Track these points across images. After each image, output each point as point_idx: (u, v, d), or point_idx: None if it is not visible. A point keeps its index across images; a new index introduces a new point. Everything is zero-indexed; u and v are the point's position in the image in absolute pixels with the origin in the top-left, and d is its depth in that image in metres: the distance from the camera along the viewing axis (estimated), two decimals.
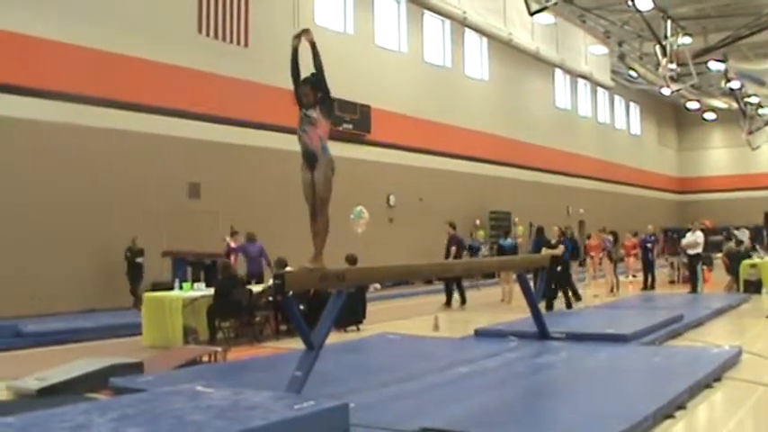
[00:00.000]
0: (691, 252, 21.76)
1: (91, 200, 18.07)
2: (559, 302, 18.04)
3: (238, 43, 21.64)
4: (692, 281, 21.55)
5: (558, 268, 17.79)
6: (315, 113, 8.31)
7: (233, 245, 18.21)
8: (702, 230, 22.17)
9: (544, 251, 17.88)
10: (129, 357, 10.25)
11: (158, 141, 19.43)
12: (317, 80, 8.67)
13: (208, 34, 20.88)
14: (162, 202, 19.32)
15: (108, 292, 17.91)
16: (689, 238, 21.82)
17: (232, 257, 17.62)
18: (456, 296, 20.04)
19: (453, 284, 20.06)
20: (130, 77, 18.91)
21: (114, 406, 6.37)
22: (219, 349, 11.25)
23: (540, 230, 20.55)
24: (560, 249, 18.10)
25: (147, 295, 14.42)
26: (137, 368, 9.65)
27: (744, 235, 37.68)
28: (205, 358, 10.93)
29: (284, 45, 22.41)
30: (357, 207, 20.20)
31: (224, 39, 21.29)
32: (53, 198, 17.45)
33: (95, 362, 9.59)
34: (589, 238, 25.29)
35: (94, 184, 18.18)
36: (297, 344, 9.33)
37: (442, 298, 20.14)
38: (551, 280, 17.66)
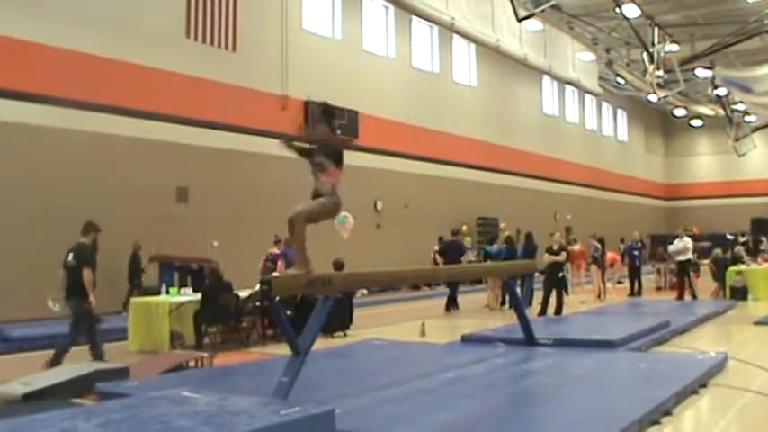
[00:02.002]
0: (681, 258, 21.53)
1: (76, 204, 17.96)
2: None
3: (226, 48, 21.61)
4: (680, 287, 21.35)
5: (561, 274, 17.97)
6: (326, 162, 8.71)
7: (277, 251, 18.21)
8: (691, 237, 22.07)
9: (546, 257, 17.93)
10: (114, 362, 10.23)
11: (146, 146, 19.39)
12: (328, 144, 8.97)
13: (196, 39, 20.84)
14: (150, 207, 19.28)
15: (95, 297, 17.79)
16: (677, 244, 21.61)
17: (279, 263, 17.65)
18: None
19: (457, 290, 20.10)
20: (118, 81, 18.86)
21: (100, 411, 6.35)
22: (206, 354, 11.23)
23: (530, 237, 20.59)
24: (563, 256, 18.14)
25: (134, 300, 14.41)
26: (123, 373, 9.63)
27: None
28: (191, 363, 10.90)
29: (272, 50, 22.44)
30: (342, 212, 20.15)
31: (212, 43, 21.26)
32: (37, 202, 17.36)
33: (81, 367, 9.57)
34: (571, 244, 25.26)
35: (80, 189, 18.12)
36: (283, 349, 9.32)
37: (429, 303, 20.14)
38: (551, 286, 17.75)
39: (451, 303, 19.91)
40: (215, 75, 21.35)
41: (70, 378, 9.08)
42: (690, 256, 21.64)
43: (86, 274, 11.45)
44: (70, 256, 11.63)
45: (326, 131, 9.05)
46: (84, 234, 12.00)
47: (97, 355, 11.52)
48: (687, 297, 20.97)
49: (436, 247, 28.17)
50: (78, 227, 17.82)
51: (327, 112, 9.16)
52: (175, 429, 5.64)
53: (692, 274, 22.03)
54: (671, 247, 22.41)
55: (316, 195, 8.63)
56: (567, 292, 18.71)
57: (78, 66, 18.13)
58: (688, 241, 21.70)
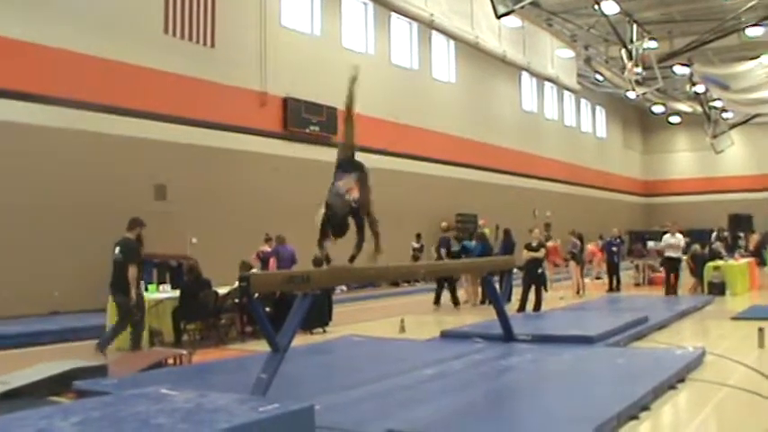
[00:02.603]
0: (673, 255, 21.46)
1: (53, 202, 17.88)
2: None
3: (205, 44, 21.51)
4: (668, 284, 21.44)
5: (539, 270, 18.02)
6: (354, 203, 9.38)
7: (268, 249, 18.17)
8: (681, 232, 22.02)
9: (525, 253, 17.97)
10: (93, 360, 10.18)
11: (123, 143, 19.27)
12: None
13: (174, 35, 20.73)
14: (127, 204, 19.12)
15: (72, 295, 17.72)
16: (668, 240, 21.56)
17: (271, 261, 17.60)
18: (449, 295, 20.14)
19: (445, 284, 20.11)
20: (94, 77, 18.71)
21: (78, 409, 6.32)
22: (185, 352, 11.19)
23: (507, 233, 20.61)
24: (542, 252, 18.18)
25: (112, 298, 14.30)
26: (101, 371, 9.59)
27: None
28: (170, 361, 10.87)
29: (251, 46, 22.41)
30: (321, 210, 20.12)
31: (190, 39, 21.16)
32: (9, 201, 17.23)
33: (59, 365, 9.50)
34: (548, 240, 25.32)
35: (57, 186, 17.98)
36: (262, 346, 9.30)
37: (408, 300, 20.15)
38: (530, 282, 17.80)
39: (451, 298, 19.96)
40: (193, 71, 21.25)
41: (47, 376, 9.03)
42: (680, 253, 21.70)
43: (131, 270, 11.91)
44: (117, 251, 12.14)
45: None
46: (129, 229, 12.45)
47: (136, 345, 12.07)
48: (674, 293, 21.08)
49: (415, 244, 28.26)
50: (54, 223, 17.84)
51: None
52: (154, 427, 5.62)
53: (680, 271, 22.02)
54: (661, 243, 22.38)
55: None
56: (545, 289, 18.75)
57: (52, 62, 17.98)
58: (680, 238, 21.70)
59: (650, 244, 22.30)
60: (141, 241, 12.71)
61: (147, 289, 14.46)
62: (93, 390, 8.33)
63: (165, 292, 14.32)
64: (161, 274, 17.89)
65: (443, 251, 20.51)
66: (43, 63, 17.80)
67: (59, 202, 17.99)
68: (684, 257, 22.74)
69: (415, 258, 27.02)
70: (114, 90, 19.08)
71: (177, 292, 13.98)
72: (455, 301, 19.93)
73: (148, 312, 13.26)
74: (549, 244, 23.99)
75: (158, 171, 20.10)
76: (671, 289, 21.25)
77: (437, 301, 20.01)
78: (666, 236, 21.82)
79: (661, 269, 27.88)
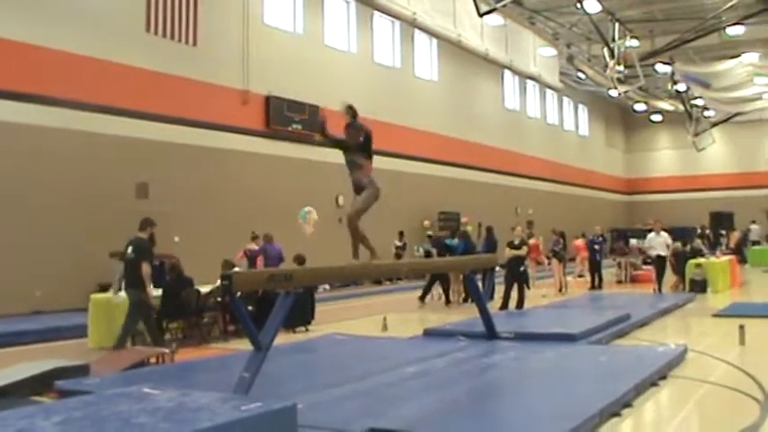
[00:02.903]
0: (662, 254, 21.40)
1: (34, 201, 17.80)
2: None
3: (187, 42, 21.44)
4: (659, 281, 21.46)
5: (522, 268, 18.06)
6: (360, 159, 9.99)
7: (255, 247, 18.13)
8: (664, 230, 22.03)
9: (507, 251, 18.00)
10: (75, 360, 10.14)
11: (105, 141, 19.19)
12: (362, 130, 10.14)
13: (156, 33, 20.65)
14: (109, 203, 19.10)
15: (54, 294, 17.65)
16: (655, 239, 21.52)
17: (258, 260, 17.58)
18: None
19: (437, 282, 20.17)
20: (76, 75, 18.63)
21: (59, 409, 6.28)
22: (167, 351, 11.17)
23: (490, 231, 20.62)
24: (524, 250, 18.22)
25: (94, 297, 14.25)
26: (83, 370, 9.55)
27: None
28: (152, 360, 10.85)
29: (233, 44, 22.36)
30: (304, 208, 20.11)
31: (172, 37, 21.08)
32: None
33: (40, 365, 9.46)
34: (529, 237, 25.36)
35: (38, 185, 17.90)
36: (245, 345, 9.29)
37: (391, 298, 20.15)
38: (513, 279, 17.83)
39: (444, 296, 20.01)
40: (175, 69, 21.18)
41: (29, 376, 8.99)
42: (667, 251, 21.71)
43: (145, 267, 12.29)
44: (129, 250, 12.54)
45: (357, 132, 10.12)
46: (141, 229, 12.86)
47: (155, 341, 12.38)
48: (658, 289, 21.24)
49: (397, 242, 28.27)
50: (35, 223, 17.74)
51: (352, 111, 10.26)
52: (136, 426, 5.60)
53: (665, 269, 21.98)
54: (646, 242, 22.37)
55: (357, 186, 9.94)
56: (528, 287, 18.79)
57: (34, 60, 17.90)
58: (666, 237, 21.65)
59: (632, 242, 22.25)
60: (153, 240, 13.12)
61: None
62: (75, 389, 8.28)
63: None
64: None
65: (434, 251, 20.53)
66: (23, 61, 17.70)
67: (40, 202, 17.90)
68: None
69: (398, 256, 27.02)
70: (95, 88, 18.98)
71: (159, 291, 13.92)
72: (448, 300, 19.97)
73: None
74: (531, 241, 24.06)
75: (140, 169, 20.02)
76: (658, 287, 21.36)
77: (423, 297, 20.02)
78: (651, 235, 21.81)
79: (644, 267, 28.04)
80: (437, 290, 20.61)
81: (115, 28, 19.74)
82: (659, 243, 21.33)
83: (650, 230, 22.13)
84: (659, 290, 21.23)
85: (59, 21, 18.59)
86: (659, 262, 21.55)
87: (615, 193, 55.72)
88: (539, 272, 25.20)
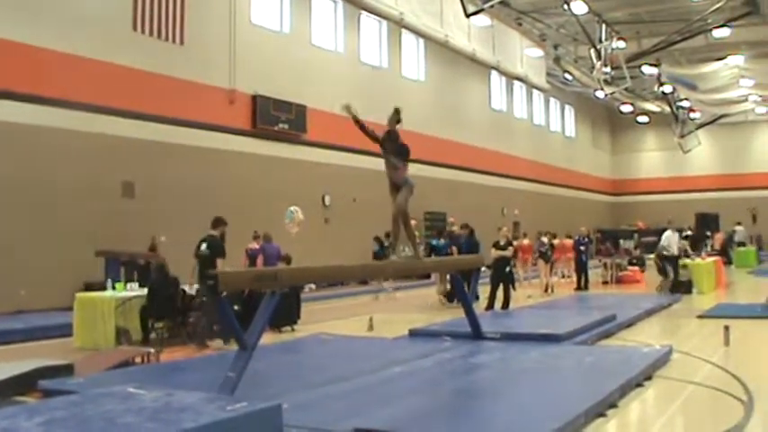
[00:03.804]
0: (676, 253, 21.35)
1: (18, 199, 17.73)
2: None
3: (174, 41, 21.37)
4: (676, 282, 21.33)
5: (507, 269, 18.07)
6: (396, 162, 10.92)
7: (256, 246, 18.15)
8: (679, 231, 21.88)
9: (493, 252, 18.02)
10: (59, 359, 10.09)
11: (91, 139, 19.12)
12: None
13: (143, 32, 20.58)
14: (95, 202, 19.05)
15: (38, 294, 17.58)
16: (672, 237, 21.48)
17: (259, 259, 17.58)
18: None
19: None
20: (63, 74, 18.57)
21: (43, 409, 6.26)
22: (152, 350, 11.14)
23: (471, 231, 20.55)
24: (509, 251, 18.24)
25: (79, 296, 14.19)
26: (67, 370, 9.50)
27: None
28: (138, 359, 10.81)
29: (220, 44, 22.33)
30: (290, 207, 20.11)
31: (159, 36, 21.01)
32: None
33: (24, 364, 9.41)
34: (518, 239, 25.39)
35: (21, 183, 17.82)
36: (231, 344, 9.28)
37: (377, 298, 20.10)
38: (498, 280, 17.85)
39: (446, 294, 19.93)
40: (162, 68, 21.13)
41: (13, 376, 8.93)
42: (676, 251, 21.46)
43: (219, 263, 13.00)
44: (203, 247, 13.43)
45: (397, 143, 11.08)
46: (213, 227, 13.87)
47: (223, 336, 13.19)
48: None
49: (385, 242, 28.19)
50: (17, 222, 17.65)
51: (397, 117, 11.42)
52: (121, 426, 5.59)
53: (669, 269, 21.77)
54: (663, 239, 21.97)
55: (393, 185, 10.93)
56: (513, 287, 18.81)
57: (21, 58, 17.84)
58: (678, 236, 21.51)
59: (623, 243, 21.97)
60: (224, 238, 13.96)
61: (114, 287, 14.40)
62: (59, 389, 8.25)
63: (132, 291, 14.22)
64: (128, 272, 17.75)
65: (455, 248, 20.41)
66: (6, 59, 17.62)
67: (25, 200, 17.83)
68: (651, 256, 22.80)
69: (385, 256, 26.98)
70: (81, 87, 18.92)
71: (145, 291, 13.89)
72: (450, 298, 19.88)
73: (116, 311, 13.21)
74: (524, 242, 24.09)
75: (126, 168, 19.99)
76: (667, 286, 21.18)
77: (450, 297, 19.68)
78: (668, 233, 21.83)
79: (629, 268, 28.10)
80: (439, 286, 20.55)
81: (102, 27, 19.68)
82: (677, 242, 21.20)
83: (646, 229, 22.01)
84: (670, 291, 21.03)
85: (45, 20, 18.51)
86: (672, 261, 21.52)
87: (601, 193, 55.83)
88: (532, 272, 25.15)
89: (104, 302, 13.37)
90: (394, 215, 10.89)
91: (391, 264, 11.85)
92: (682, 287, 21.44)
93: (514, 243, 20.89)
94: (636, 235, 43.93)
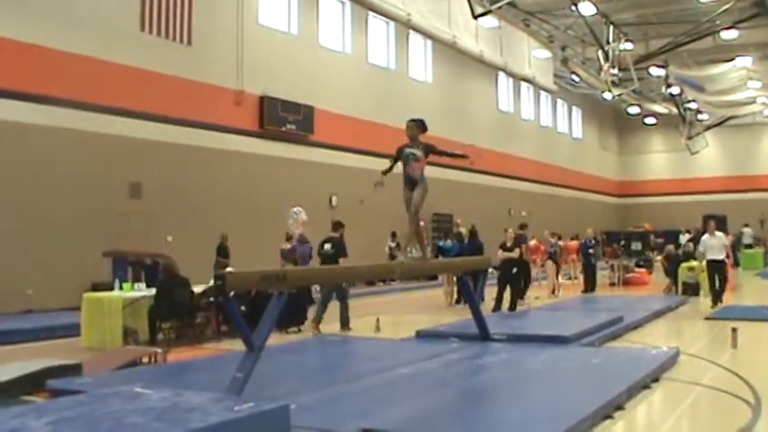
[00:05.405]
0: (718, 258, 18.57)
1: (26, 199, 17.77)
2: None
3: (182, 42, 21.43)
4: (713, 291, 18.74)
5: (514, 270, 18.06)
6: (418, 152, 10.76)
7: (289, 247, 18.33)
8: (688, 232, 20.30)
9: (499, 253, 18.01)
10: (67, 359, 10.10)
11: (98, 140, 19.17)
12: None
13: (151, 32, 20.64)
14: (102, 202, 19.09)
15: (46, 293, 17.61)
16: (709, 240, 18.78)
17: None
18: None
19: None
20: (71, 74, 18.62)
21: (51, 408, 6.26)
22: (160, 350, 11.14)
23: (474, 233, 20.46)
24: (516, 252, 18.22)
25: (87, 296, 14.20)
26: (75, 370, 9.51)
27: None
28: (145, 359, 10.81)
29: (228, 44, 22.35)
30: (293, 208, 20.14)
31: (167, 37, 21.07)
32: None
33: (32, 364, 9.43)
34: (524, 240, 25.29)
35: (29, 184, 17.86)
36: (238, 345, 9.28)
37: (383, 299, 20.08)
38: (506, 281, 17.84)
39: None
40: (170, 69, 21.17)
41: (21, 375, 8.94)
42: (723, 255, 18.83)
43: (342, 262, 14.48)
44: (327, 247, 15.01)
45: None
46: (334, 230, 15.59)
47: (345, 324, 14.93)
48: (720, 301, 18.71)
49: (391, 243, 28.23)
50: (25, 222, 17.70)
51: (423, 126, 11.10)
52: (128, 426, 5.59)
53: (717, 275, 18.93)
54: (700, 245, 19.33)
55: (408, 178, 10.71)
56: (527, 288, 18.80)
57: (30, 58, 17.89)
58: (723, 237, 19.25)
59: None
60: (343, 238, 15.49)
61: (121, 287, 14.42)
62: (67, 389, 8.25)
63: (140, 291, 14.23)
64: (136, 272, 17.77)
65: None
66: (15, 59, 17.67)
67: (33, 200, 17.87)
68: (658, 258, 22.62)
69: (392, 257, 26.99)
70: (89, 87, 18.97)
71: (152, 291, 13.89)
72: (458, 300, 19.81)
73: (123, 310, 13.22)
74: (532, 243, 24.01)
75: (133, 169, 20.03)
76: (717, 297, 18.64)
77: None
78: (705, 236, 19.18)
79: (636, 270, 28.03)
80: (447, 288, 20.53)
81: (109, 27, 19.73)
82: (716, 246, 18.71)
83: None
84: (719, 300, 18.64)
85: (53, 19, 18.56)
86: (716, 267, 18.71)
87: (608, 195, 55.78)
88: (540, 273, 25.11)
89: (112, 302, 13.38)
90: (410, 214, 10.81)
91: (399, 265, 11.81)
92: (688, 289, 21.38)
93: (530, 243, 20.82)
94: (652, 236, 43.41)
